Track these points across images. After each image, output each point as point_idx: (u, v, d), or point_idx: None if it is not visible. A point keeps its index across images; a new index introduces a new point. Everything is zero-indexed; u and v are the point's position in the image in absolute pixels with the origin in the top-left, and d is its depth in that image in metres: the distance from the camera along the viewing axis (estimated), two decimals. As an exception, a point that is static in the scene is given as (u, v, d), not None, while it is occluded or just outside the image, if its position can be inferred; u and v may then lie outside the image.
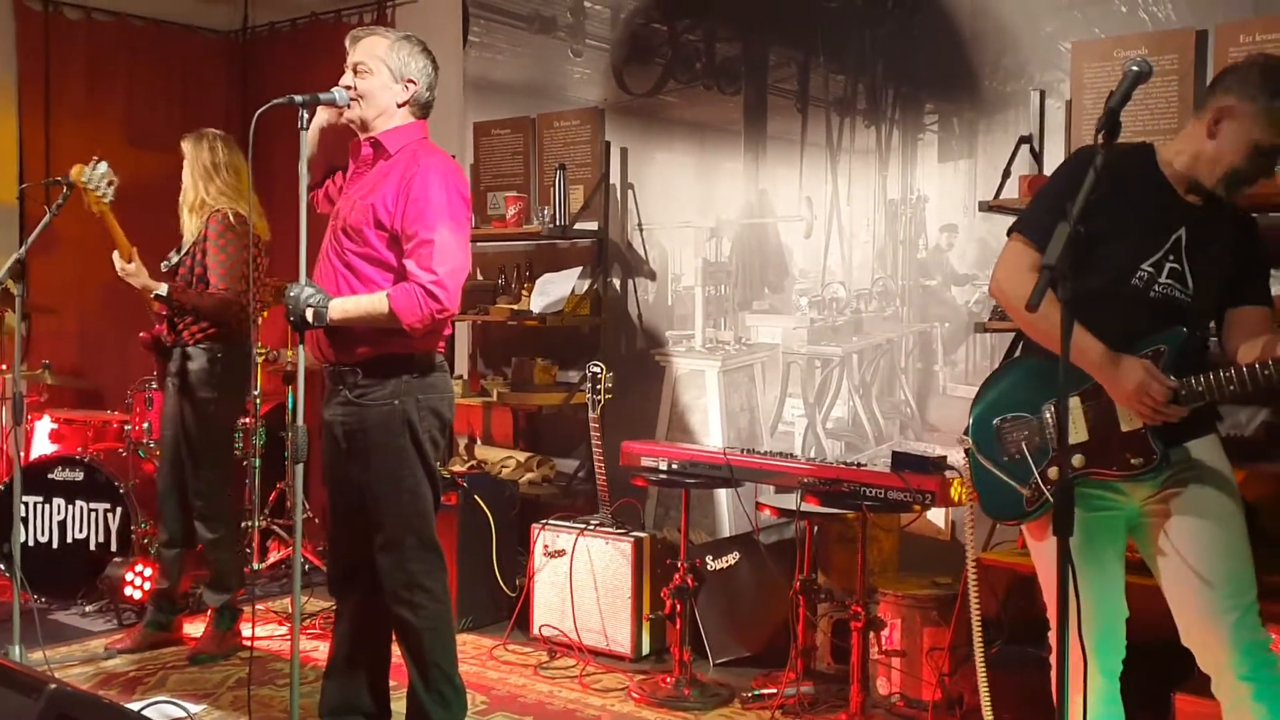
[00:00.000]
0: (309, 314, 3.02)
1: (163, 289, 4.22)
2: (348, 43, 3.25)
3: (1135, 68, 2.27)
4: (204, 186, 4.39)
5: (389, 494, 3.22)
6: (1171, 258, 2.63)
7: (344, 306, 3.10)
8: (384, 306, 3.08)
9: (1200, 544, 2.60)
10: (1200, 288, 2.64)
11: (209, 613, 4.53)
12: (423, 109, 3.30)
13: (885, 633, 3.94)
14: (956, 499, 3.77)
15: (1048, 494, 2.64)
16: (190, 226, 4.41)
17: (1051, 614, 2.68)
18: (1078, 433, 2.65)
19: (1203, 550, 2.59)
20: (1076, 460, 2.64)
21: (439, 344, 3.29)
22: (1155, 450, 2.58)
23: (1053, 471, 2.64)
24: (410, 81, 3.22)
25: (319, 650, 4.44)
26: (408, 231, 3.11)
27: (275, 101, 3.04)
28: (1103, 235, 2.58)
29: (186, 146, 4.46)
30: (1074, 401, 2.65)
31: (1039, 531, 2.74)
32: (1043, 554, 2.77)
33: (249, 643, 4.40)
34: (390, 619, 3.32)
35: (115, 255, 4.17)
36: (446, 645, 3.32)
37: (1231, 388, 2.49)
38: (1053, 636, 2.69)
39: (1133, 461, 2.60)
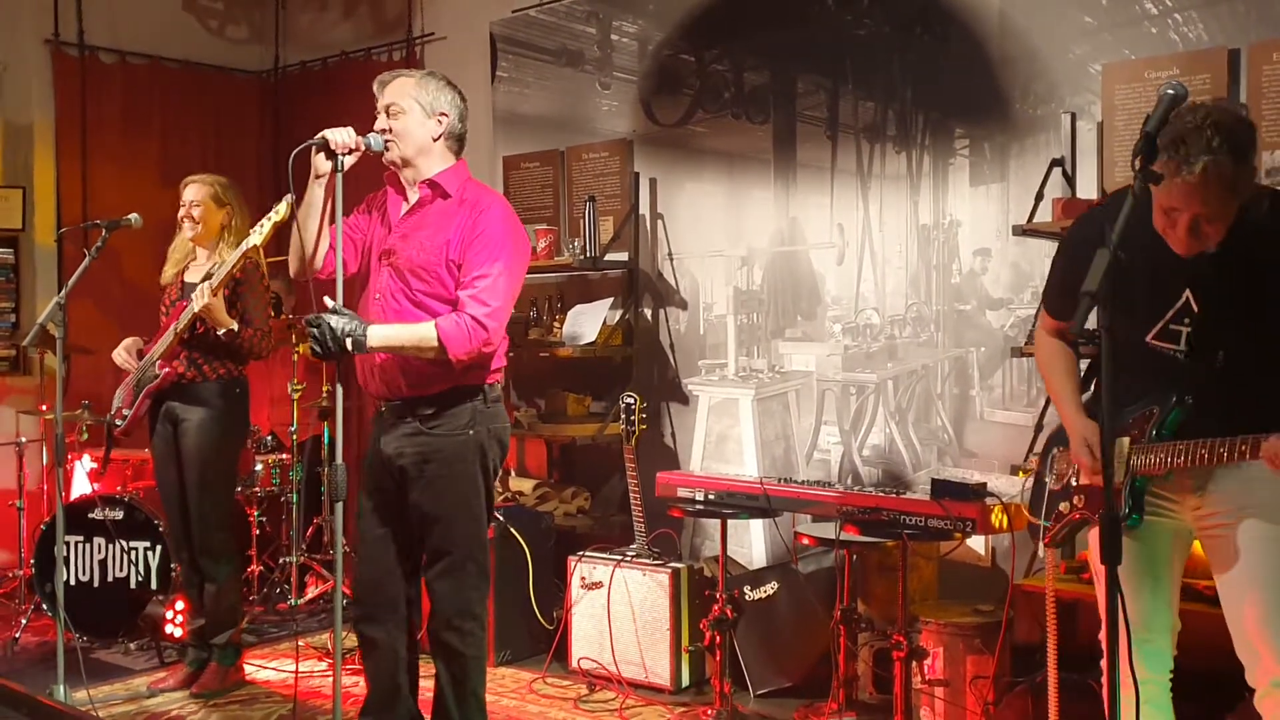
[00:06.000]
0: (349, 343, 3.03)
1: (234, 325, 4.24)
2: (376, 88, 3.28)
3: (1171, 91, 2.27)
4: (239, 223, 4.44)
5: (459, 520, 3.26)
6: (1178, 322, 2.56)
7: (385, 334, 3.12)
8: (431, 337, 3.10)
9: (1257, 554, 2.55)
10: (1214, 343, 2.55)
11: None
12: (458, 143, 3.32)
13: (928, 662, 3.90)
14: (997, 526, 3.73)
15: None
16: (215, 263, 4.36)
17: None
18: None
19: (1260, 560, 2.55)
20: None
21: (499, 376, 3.33)
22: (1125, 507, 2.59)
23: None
24: (442, 115, 3.25)
25: (358, 685, 4.43)
26: (467, 265, 3.17)
27: (309, 142, 3.07)
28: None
29: (219, 186, 4.47)
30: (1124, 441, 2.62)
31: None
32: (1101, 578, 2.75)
33: (299, 675, 4.40)
34: (417, 652, 3.36)
35: (206, 285, 4.14)
36: (483, 676, 3.38)
37: (1180, 459, 2.50)
38: (1105, 663, 2.66)
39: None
